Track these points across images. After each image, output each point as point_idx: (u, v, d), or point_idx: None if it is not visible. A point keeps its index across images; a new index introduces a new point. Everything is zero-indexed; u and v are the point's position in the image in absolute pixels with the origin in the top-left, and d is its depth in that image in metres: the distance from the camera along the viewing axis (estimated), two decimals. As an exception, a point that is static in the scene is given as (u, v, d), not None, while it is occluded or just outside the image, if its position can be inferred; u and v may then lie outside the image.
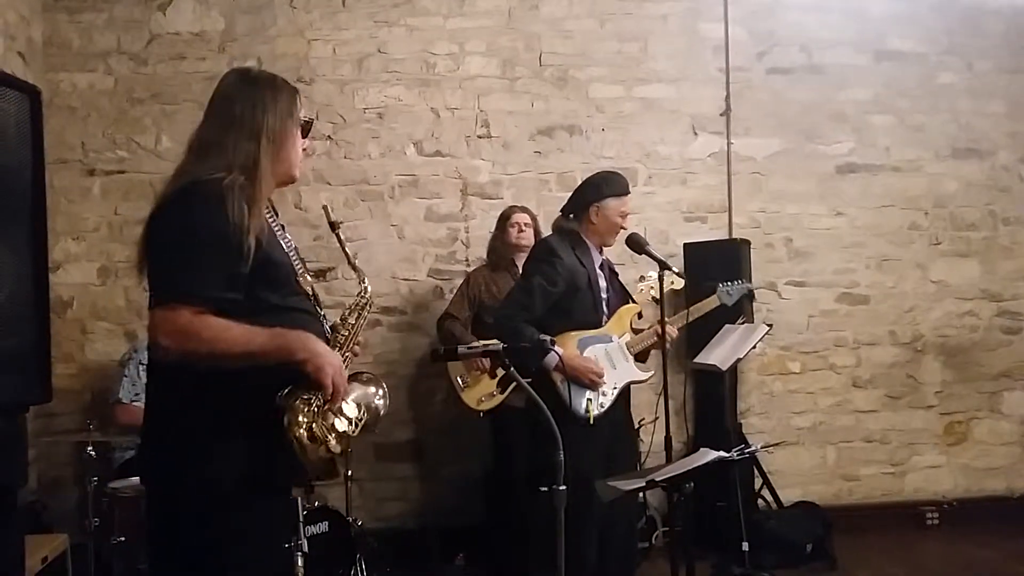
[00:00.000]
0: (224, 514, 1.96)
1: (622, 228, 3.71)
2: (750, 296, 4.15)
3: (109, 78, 5.06)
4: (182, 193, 1.99)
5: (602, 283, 3.71)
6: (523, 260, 4.47)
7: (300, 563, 2.18)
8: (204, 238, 1.94)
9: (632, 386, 3.74)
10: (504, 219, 4.75)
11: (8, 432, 2.61)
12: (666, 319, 3.64)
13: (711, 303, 3.98)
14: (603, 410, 3.54)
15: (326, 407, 2.01)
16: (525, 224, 4.66)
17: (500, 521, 4.61)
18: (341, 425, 2.04)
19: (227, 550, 1.97)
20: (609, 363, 3.61)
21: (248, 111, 2.09)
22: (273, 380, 1.99)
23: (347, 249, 2.34)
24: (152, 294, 1.95)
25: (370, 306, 2.30)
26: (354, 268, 2.35)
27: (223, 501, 1.96)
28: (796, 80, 5.59)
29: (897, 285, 5.65)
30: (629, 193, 3.74)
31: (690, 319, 3.86)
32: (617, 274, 3.89)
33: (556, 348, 3.45)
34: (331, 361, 2.01)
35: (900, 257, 5.66)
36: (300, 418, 1.96)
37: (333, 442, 2.00)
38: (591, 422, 3.47)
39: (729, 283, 4.03)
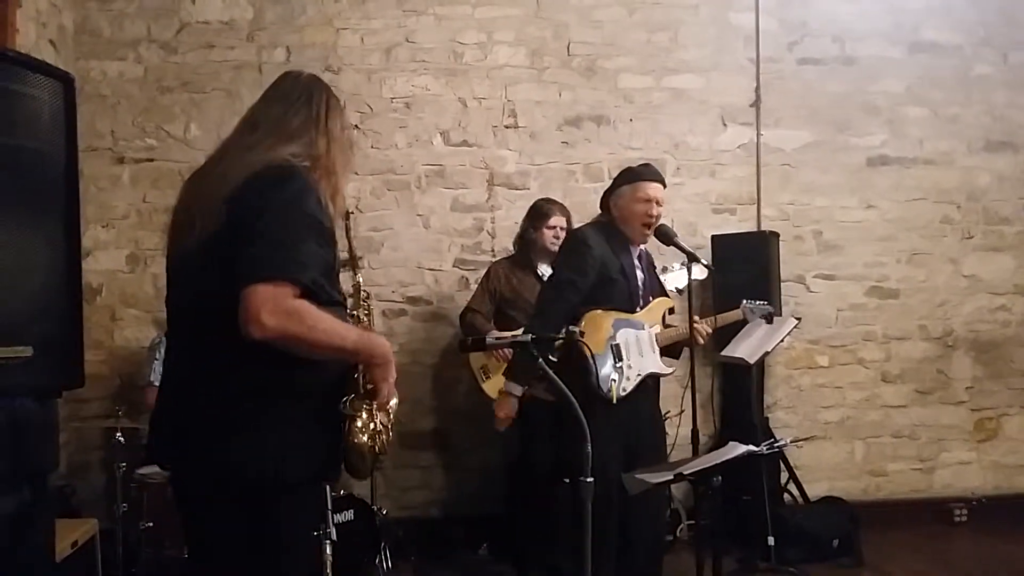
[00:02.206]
0: (292, 501, 1.97)
1: (648, 216, 3.60)
2: (768, 317, 4.16)
3: (139, 66, 5.08)
4: (281, 172, 1.95)
5: (639, 274, 3.69)
6: (545, 259, 4.51)
7: (328, 551, 2.19)
8: (309, 221, 1.92)
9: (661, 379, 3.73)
10: (542, 216, 4.58)
11: (41, 417, 2.64)
12: (697, 320, 3.63)
13: (735, 315, 4.02)
14: (625, 393, 3.52)
15: (376, 409, 2.08)
16: (562, 228, 4.52)
17: (523, 510, 4.61)
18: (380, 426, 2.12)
19: (291, 536, 1.99)
20: (637, 350, 3.60)
21: (324, 112, 2.13)
22: (328, 375, 2.02)
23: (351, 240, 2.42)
24: (251, 268, 1.85)
25: (369, 297, 2.36)
26: (353, 259, 2.41)
27: (292, 489, 1.97)
28: (828, 71, 5.52)
29: (928, 279, 5.59)
30: (650, 180, 3.63)
31: (716, 327, 3.85)
32: (656, 268, 3.87)
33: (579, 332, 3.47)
34: (392, 368, 2.05)
35: (932, 251, 5.59)
36: (360, 425, 2.02)
37: (384, 445, 2.11)
38: (613, 401, 3.45)
39: (753, 302, 4.09)
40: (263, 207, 1.89)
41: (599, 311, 3.55)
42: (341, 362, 2.03)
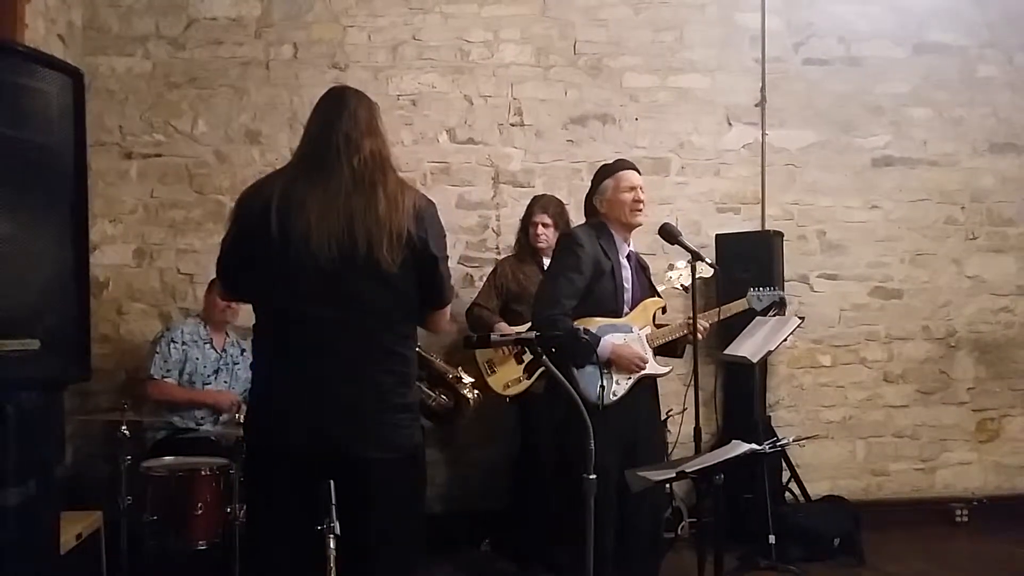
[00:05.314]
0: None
1: (637, 202, 3.63)
2: (780, 304, 4.12)
3: (147, 62, 5.10)
4: (431, 204, 2.58)
5: (626, 274, 3.67)
6: (545, 254, 4.53)
7: (332, 545, 2.20)
8: None
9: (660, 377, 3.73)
10: (527, 214, 4.74)
11: (48, 409, 2.66)
12: (697, 313, 3.63)
13: (740, 306, 3.97)
14: (615, 399, 3.53)
15: None
16: (544, 225, 4.61)
17: (526, 507, 4.63)
18: None
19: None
20: None
21: None
22: None
23: None
24: (443, 294, 2.57)
25: None
26: None
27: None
28: (833, 72, 5.53)
29: (931, 280, 5.59)
30: (628, 169, 3.70)
31: (720, 318, 3.84)
32: (646, 268, 3.86)
33: (606, 338, 3.48)
34: None
35: (935, 252, 5.60)
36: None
37: None
38: (600, 408, 3.44)
39: (760, 288, 4.02)
40: (436, 239, 2.52)
41: (585, 320, 3.53)
42: None
